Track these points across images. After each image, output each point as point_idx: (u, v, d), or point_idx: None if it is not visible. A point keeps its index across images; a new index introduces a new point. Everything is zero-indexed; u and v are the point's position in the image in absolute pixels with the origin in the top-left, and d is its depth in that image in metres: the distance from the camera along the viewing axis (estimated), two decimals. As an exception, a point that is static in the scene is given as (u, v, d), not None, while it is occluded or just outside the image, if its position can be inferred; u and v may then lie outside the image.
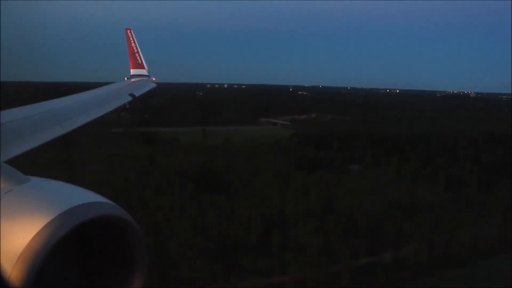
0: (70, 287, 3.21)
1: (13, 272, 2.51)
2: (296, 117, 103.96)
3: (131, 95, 12.09)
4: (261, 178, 48.56)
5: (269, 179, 48.78)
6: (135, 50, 19.40)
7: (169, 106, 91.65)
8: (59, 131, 6.29)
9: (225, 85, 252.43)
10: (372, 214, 41.03)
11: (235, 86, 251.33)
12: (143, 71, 19.24)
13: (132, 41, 19.52)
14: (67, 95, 9.20)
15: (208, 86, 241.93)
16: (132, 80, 18.09)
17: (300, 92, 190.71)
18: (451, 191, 48.19)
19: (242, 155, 57.47)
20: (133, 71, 19.21)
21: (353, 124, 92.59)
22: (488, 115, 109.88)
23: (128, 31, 19.67)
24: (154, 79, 19.02)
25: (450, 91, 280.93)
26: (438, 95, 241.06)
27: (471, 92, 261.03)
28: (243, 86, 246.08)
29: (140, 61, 19.33)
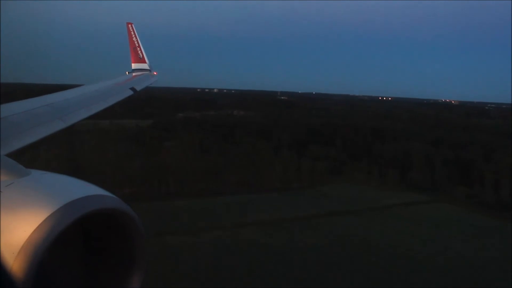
0: (71, 279, 3.19)
1: (15, 264, 2.51)
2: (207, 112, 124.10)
3: (132, 89, 12.01)
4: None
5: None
6: (136, 44, 19.17)
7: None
8: (60, 125, 6.27)
9: (215, 90, 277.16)
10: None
11: (225, 91, 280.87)
12: (144, 65, 19.04)
13: (133, 35, 19.27)
14: None
15: (198, 90, 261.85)
16: (133, 74, 17.92)
17: (282, 97, 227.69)
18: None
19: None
20: (134, 65, 19.02)
21: (244, 118, 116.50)
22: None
23: (129, 25, 19.40)
24: (155, 73, 18.80)
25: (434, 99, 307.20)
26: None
27: (453, 101, 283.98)
28: (233, 91, 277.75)
29: (141, 55, 19.11)
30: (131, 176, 55.88)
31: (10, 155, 4.18)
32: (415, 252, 39.53)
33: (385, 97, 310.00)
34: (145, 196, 51.31)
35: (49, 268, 2.81)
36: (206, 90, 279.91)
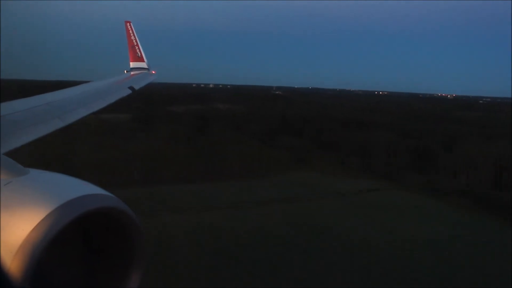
0: (70, 278, 3.21)
1: (13, 263, 2.51)
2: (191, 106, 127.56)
3: (131, 88, 12.04)
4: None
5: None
6: (135, 43, 18.98)
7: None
8: (59, 124, 6.30)
9: (211, 85, 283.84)
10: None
11: (220, 86, 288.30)
12: (143, 64, 18.87)
13: (131, 34, 19.07)
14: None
15: (194, 86, 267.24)
16: (132, 73, 17.76)
17: (277, 92, 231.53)
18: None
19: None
20: (132, 64, 18.84)
21: (226, 111, 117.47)
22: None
23: (128, 23, 19.18)
24: (153, 72, 18.66)
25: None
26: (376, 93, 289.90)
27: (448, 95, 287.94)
28: (228, 86, 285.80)
29: (139, 54, 18.94)
30: (94, 165, 55.57)
31: (8, 153, 4.24)
32: (355, 232, 42.42)
33: (382, 91, 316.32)
34: (105, 183, 51.04)
35: (47, 267, 2.83)
36: (202, 85, 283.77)
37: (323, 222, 44.60)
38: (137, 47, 19.00)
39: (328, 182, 62.26)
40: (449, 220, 46.92)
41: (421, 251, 38.36)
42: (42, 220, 2.65)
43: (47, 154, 49.98)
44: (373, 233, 42.17)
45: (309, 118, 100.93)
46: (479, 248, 39.31)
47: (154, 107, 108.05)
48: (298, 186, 59.12)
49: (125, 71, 18.22)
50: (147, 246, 3.22)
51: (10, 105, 6.23)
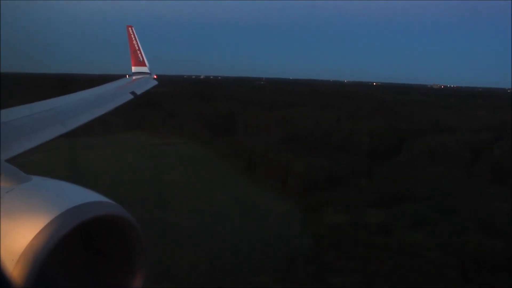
0: (72, 286, 3.23)
1: (15, 271, 2.51)
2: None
3: (133, 93, 12.14)
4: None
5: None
6: (137, 48, 19.17)
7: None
8: (61, 130, 6.35)
9: (202, 76, 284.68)
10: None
11: (211, 77, 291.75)
12: (145, 69, 19.04)
13: (133, 39, 19.22)
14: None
15: (185, 77, 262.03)
16: (134, 77, 18.01)
17: (262, 82, 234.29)
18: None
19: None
20: (134, 69, 19.00)
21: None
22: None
23: (130, 28, 19.32)
24: (155, 76, 18.87)
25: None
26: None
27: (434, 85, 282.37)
28: (219, 77, 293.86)
29: (141, 59, 19.13)
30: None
31: (10, 160, 4.29)
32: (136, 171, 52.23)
33: (376, 82, 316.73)
34: None
35: (49, 274, 2.81)
36: (193, 76, 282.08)
37: (105, 160, 56.04)
38: (139, 52, 19.13)
39: (143, 139, 73.78)
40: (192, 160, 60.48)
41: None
42: (44, 227, 2.65)
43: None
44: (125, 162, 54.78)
45: (188, 95, 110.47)
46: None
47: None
48: (112, 141, 69.17)
49: (127, 75, 18.46)
50: (148, 252, 3.26)
51: (11, 111, 6.30)
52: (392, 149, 62.85)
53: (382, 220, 36.74)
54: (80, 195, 3.05)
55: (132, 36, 19.28)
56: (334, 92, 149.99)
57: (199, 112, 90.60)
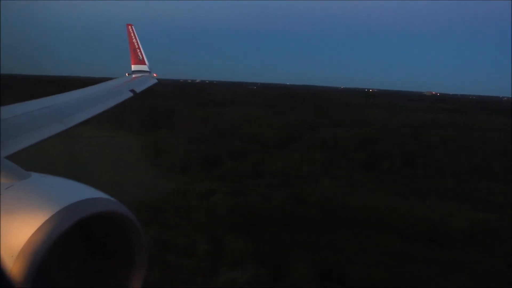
0: (71, 283, 3.24)
1: (14, 267, 2.51)
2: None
3: (132, 91, 12.08)
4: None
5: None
6: (136, 46, 19.22)
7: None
8: (60, 127, 6.37)
9: (197, 80, 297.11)
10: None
11: (207, 82, 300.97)
12: (144, 67, 19.11)
13: (133, 37, 19.26)
14: (69, 89, 9.45)
15: (181, 81, 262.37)
16: (133, 76, 17.99)
17: (255, 87, 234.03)
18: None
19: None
20: (134, 67, 19.06)
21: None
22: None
23: (129, 26, 19.36)
24: (155, 75, 18.91)
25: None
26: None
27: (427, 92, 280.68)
28: (214, 82, 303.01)
29: (141, 57, 19.20)
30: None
31: (9, 157, 4.29)
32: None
33: (372, 89, 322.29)
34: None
35: (49, 271, 2.84)
36: (189, 81, 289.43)
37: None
38: (138, 50, 19.18)
39: (93, 132, 78.43)
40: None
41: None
42: (43, 223, 2.64)
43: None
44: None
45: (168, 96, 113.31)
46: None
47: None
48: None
49: (127, 74, 18.48)
50: (148, 249, 3.25)
51: (10, 109, 6.29)
52: (289, 140, 68.73)
53: (211, 189, 43.42)
54: (79, 192, 3.06)
55: (132, 34, 19.34)
56: (302, 95, 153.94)
57: (146, 109, 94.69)
